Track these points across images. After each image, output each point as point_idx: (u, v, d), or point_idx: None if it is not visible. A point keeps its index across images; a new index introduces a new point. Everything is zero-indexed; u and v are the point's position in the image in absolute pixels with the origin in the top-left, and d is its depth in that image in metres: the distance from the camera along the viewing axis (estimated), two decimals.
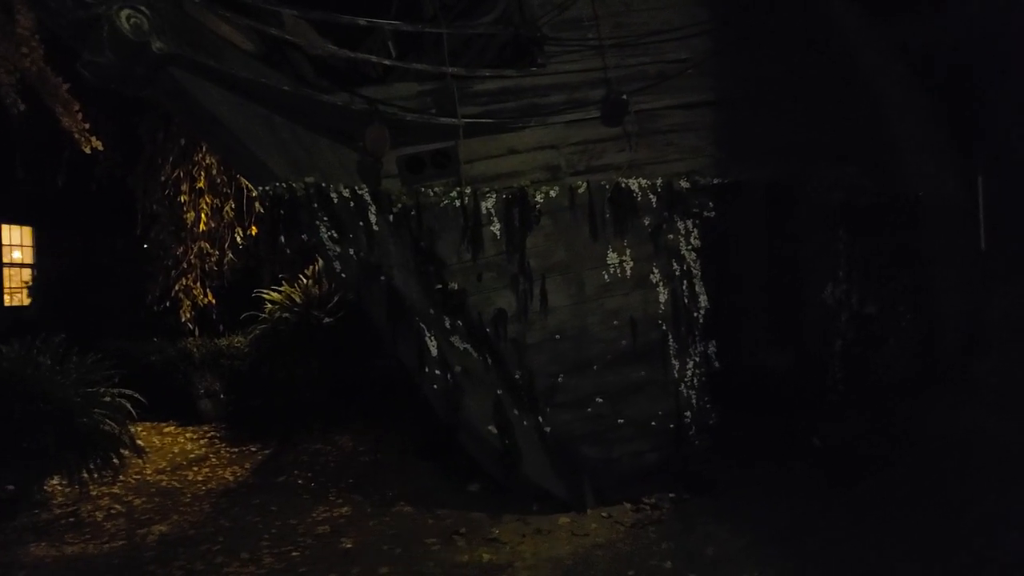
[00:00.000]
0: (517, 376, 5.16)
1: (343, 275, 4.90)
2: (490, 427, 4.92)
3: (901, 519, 4.75)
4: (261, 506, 5.80)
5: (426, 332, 4.90)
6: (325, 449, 7.48)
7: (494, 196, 5.19)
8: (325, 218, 4.79)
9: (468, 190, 5.17)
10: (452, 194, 5.16)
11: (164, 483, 6.75)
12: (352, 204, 4.97)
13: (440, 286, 5.08)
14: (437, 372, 4.85)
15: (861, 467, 5.46)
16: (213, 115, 4.65)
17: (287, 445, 7.76)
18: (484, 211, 5.17)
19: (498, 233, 5.17)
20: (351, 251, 4.83)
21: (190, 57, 4.45)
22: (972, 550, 4.18)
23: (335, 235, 4.80)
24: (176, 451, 7.89)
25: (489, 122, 5.23)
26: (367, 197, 5.03)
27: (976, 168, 8.71)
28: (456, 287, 5.11)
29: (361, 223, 4.95)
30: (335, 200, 4.88)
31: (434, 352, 4.88)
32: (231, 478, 6.77)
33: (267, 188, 4.77)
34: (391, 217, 5.08)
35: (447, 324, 5.02)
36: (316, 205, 4.81)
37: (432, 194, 5.15)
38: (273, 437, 8.00)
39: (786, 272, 5.68)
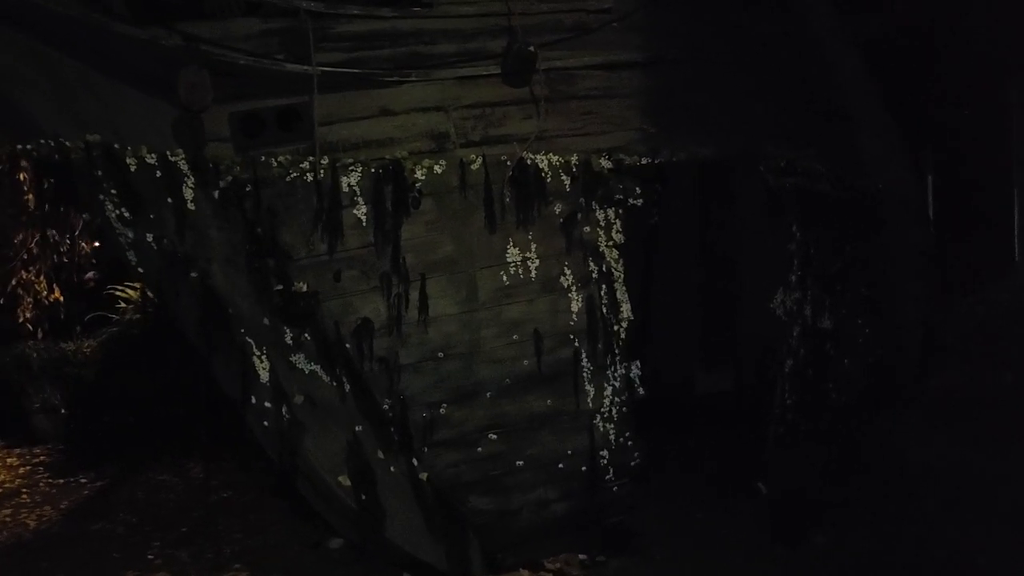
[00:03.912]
0: (386, 407, 3.96)
1: (140, 269, 3.61)
2: (341, 477, 3.69)
3: None
4: (47, 571, 4.41)
5: (254, 349, 3.64)
6: (171, 482, 6.12)
7: (359, 170, 3.97)
8: (113, 191, 3.49)
9: (325, 161, 3.93)
10: (303, 165, 3.91)
11: None
12: (160, 174, 3.67)
13: (281, 287, 3.83)
14: (267, 404, 3.60)
15: (814, 514, 4.50)
16: None
17: (128, 475, 6.36)
18: (346, 189, 3.94)
19: (364, 219, 3.95)
20: (150, 237, 3.54)
21: None
22: None
23: (127, 215, 3.51)
24: None
25: (355, 73, 4.00)
26: (183, 165, 3.75)
27: (926, 164, 8.04)
28: (305, 288, 3.86)
29: (170, 200, 3.66)
30: (132, 167, 3.58)
31: (264, 377, 3.62)
32: (33, 524, 5.32)
33: (28, 146, 3.44)
34: (217, 193, 3.81)
35: (288, 339, 3.77)
36: (101, 173, 3.50)
37: (276, 164, 3.89)
38: (115, 464, 6.60)
39: (728, 276, 4.66)
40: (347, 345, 3.91)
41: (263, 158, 3.88)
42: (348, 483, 3.71)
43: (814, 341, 4.91)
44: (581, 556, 4.23)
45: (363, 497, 3.72)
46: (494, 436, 4.10)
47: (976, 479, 4.52)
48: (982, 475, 4.54)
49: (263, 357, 3.64)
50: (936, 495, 4.42)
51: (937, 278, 6.46)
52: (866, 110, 5.86)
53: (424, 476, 3.97)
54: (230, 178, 3.84)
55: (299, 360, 3.78)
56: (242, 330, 3.63)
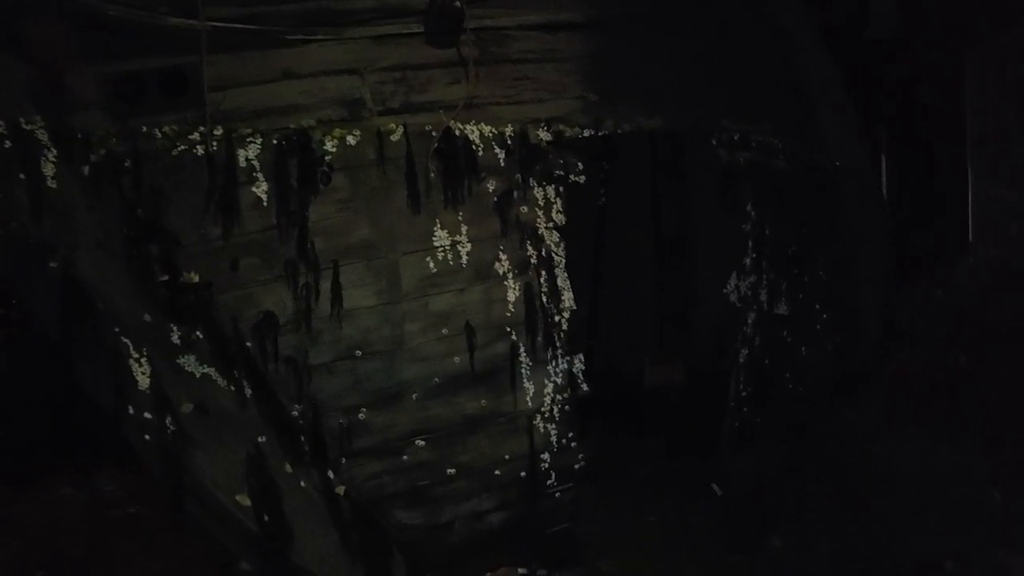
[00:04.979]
0: (295, 413, 3.48)
1: None
2: (239, 496, 3.19)
3: None
4: None
5: (131, 351, 3.10)
6: (72, 497, 5.46)
7: (259, 141, 3.45)
8: None
9: (219, 131, 3.40)
10: (193, 136, 3.38)
11: None
12: (9, 145, 3.09)
13: (167, 278, 3.29)
14: (147, 415, 3.07)
15: (771, 515, 4.19)
16: None
17: (25, 489, 5.72)
18: (243, 164, 3.42)
19: (265, 198, 3.44)
20: None
21: None
22: None
23: None
24: None
25: (253, 30, 3.48)
26: (42, 136, 3.17)
27: (879, 143, 7.84)
28: (196, 279, 3.34)
29: (23, 176, 3.08)
30: None
31: (144, 383, 3.08)
32: None
33: None
34: (86, 169, 3.25)
35: (175, 338, 3.24)
36: None
37: (160, 136, 3.35)
38: (13, 477, 5.93)
39: (679, 259, 4.28)
40: (247, 344, 3.41)
41: (144, 128, 3.34)
42: (247, 502, 3.19)
43: (770, 328, 4.58)
44: (521, 570, 3.83)
45: (265, 518, 3.21)
46: (421, 442, 3.65)
47: (938, 473, 4.26)
48: (945, 469, 4.29)
49: (142, 360, 3.10)
50: (898, 492, 4.16)
51: (894, 260, 6.25)
52: (823, 85, 5.55)
53: (341, 490, 3.50)
54: (104, 151, 3.28)
55: (188, 362, 3.24)
56: (116, 329, 3.08)
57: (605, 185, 5.66)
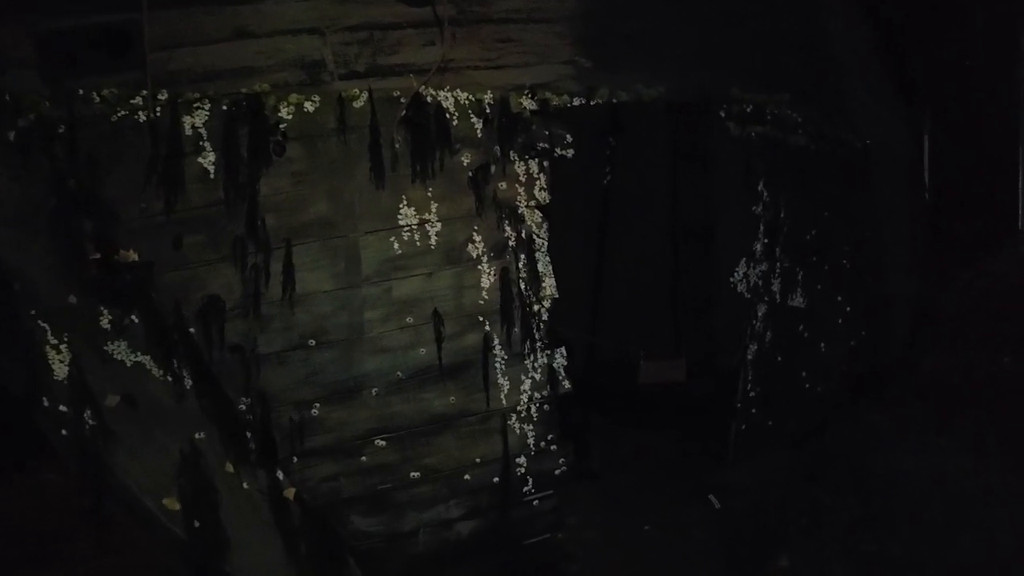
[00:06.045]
0: (243, 407, 3.18)
1: None
2: (166, 500, 2.90)
3: None
4: None
5: (49, 336, 2.82)
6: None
7: (207, 107, 3.12)
8: None
9: (163, 96, 3.09)
10: (134, 101, 3.07)
11: None
12: None
13: (99, 256, 3.01)
14: (63, 408, 2.79)
15: (779, 531, 3.77)
16: None
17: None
18: (189, 132, 3.10)
19: (212, 169, 3.12)
20: None
21: None
22: None
23: None
24: None
25: None
26: None
27: (922, 123, 7.24)
28: (135, 258, 3.05)
29: None
30: None
31: (61, 372, 2.80)
32: None
33: None
34: (12, 135, 2.97)
35: (105, 322, 2.95)
36: None
37: (98, 100, 3.04)
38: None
39: (679, 243, 3.86)
40: (190, 329, 3.11)
41: (81, 91, 3.04)
42: (176, 506, 2.91)
43: (784, 322, 4.14)
44: None
45: (197, 524, 2.92)
46: (382, 442, 3.31)
47: (971, 491, 3.79)
48: (979, 486, 3.81)
49: (60, 347, 2.82)
50: (925, 509, 3.69)
51: (932, 248, 5.71)
52: (853, 54, 5.04)
53: (290, 493, 3.19)
54: (33, 116, 2.99)
55: (118, 350, 2.95)
56: (33, 311, 2.81)
57: (611, 162, 5.24)
